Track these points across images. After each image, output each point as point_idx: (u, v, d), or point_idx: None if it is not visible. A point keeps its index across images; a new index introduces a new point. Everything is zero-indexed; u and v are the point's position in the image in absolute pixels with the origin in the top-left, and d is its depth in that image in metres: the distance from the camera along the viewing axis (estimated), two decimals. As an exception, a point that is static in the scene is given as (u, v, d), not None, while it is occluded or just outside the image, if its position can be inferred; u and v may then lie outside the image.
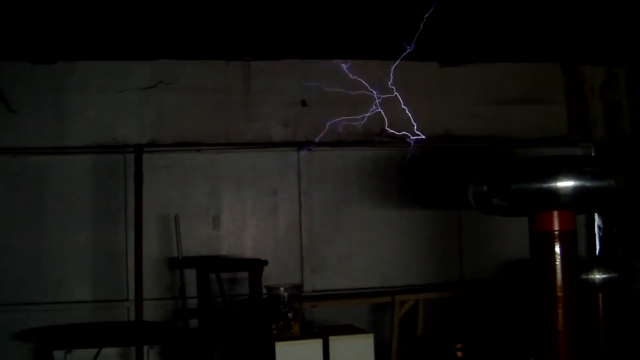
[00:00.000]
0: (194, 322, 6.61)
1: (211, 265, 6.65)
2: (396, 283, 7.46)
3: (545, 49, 7.23)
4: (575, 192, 4.50)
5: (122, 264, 6.98)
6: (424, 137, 7.07)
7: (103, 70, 7.00)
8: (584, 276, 5.99)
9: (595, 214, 7.63)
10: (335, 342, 5.77)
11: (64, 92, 6.97)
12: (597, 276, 6.08)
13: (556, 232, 4.63)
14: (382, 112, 7.39)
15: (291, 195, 7.41)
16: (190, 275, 6.68)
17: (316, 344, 5.73)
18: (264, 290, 6.12)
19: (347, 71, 7.38)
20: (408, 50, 6.00)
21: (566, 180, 4.49)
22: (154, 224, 7.02)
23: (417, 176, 7.66)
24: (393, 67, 7.41)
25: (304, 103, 7.37)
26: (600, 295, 6.27)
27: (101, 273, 7.00)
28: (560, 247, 4.62)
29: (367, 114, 7.26)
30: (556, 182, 4.50)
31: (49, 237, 6.96)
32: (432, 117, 7.49)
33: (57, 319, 6.72)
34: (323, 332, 5.89)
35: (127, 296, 6.92)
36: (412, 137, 7.22)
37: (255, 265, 6.42)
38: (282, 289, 5.88)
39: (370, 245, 7.53)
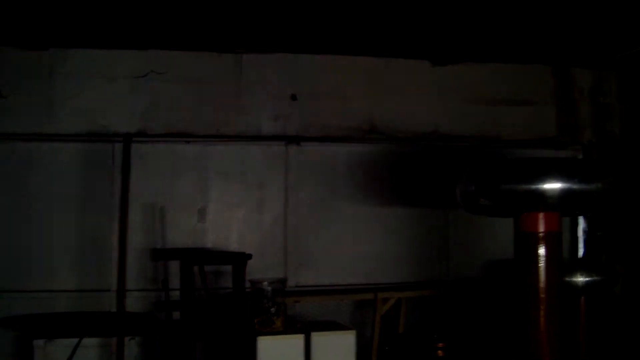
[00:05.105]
0: (176, 315, 6.58)
1: (195, 257, 6.62)
2: (380, 280, 7.45)
3: (536, 51, 7.24)
4: (562, 194, 4.52)
5: (107, 254, 6.93)
6: (412, 134, 7.10)
7: (94, 58, 6.96)
8: (567, 278, 5.99)
9: (580, 217, 7.65)
10: (317, 338, 5.79)
11: (54, 79, 6.93)
12: (580, 279, 6.09)
13: (541, 234, 4.65)
14: (372, 108, 7.43)
15: (278, 189, 7.39)
16: (174, 267, 6.66)
17: (298, 340, 5.74)
18: (248, 284, 6.11)
19: (338, 66, 7.41)
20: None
21: (553, 183, 4.51)
22: (140, 214, 6.98)
23: (404, 174, 7.65)
24: (384, 64, 7.47)
25: (294, 97, 7.35)
26: (582, 298, 6.28)
27: (85, 262, 6.95)
28: (545, 248, 4.63)
29: (356, 110, 7.31)
30: (544, 184, 4.52)
31: (34, 225, 6.90)
32: (421, 115, 7.51)
33: (40, 308, 6.66)
34: (305, 327, 5.90)
35: (110, 286, 6.86)
36: (401, 134, 7.26)
37: (240, 259, 6.40)
38: (265, 283, 5.89)
39: (355, 242, 7.51)
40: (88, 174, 7.04)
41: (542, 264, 4.63)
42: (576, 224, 7.78)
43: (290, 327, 5.92)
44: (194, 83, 7.17)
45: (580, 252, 7.68)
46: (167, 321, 6.65)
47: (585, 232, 7.69)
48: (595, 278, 6.12)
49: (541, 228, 4.66)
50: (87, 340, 6.15)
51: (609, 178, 4.66)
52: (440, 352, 6.57)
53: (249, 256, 6.44)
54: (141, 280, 6.97)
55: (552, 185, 4.52)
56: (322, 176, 7.48)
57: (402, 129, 7.52)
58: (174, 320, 6.60)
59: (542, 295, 4.61)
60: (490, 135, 7.71)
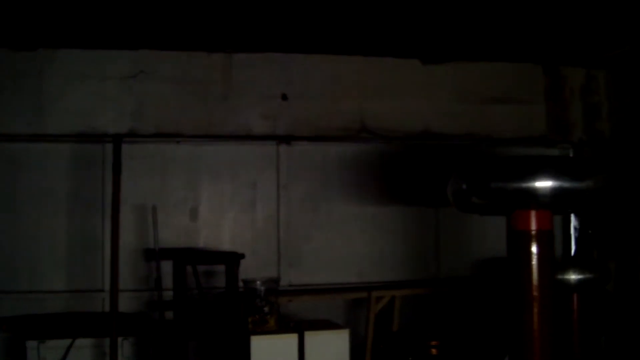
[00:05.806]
0: (169, 314, 6.58)
1: (188, 257, 6.62)
2: (373, 279, 7.47)
3: (526, 49, 7.26)
4: (554, 192, 4.51)
5: (98, 254, 6.94)
6: (403, 133, 7.08)
7: (84, 58, 6.93)
8: (559, 276, 6.01)
9: (572, 215, 7.67)
10: (311, 337, 5.78)
11: (43, 80, 6.89)
12: (573, 277, 6.11)
13: (533, 232, 4.64)
14: (363, 108, 7.43)
15: (270, 188, 7.40)
16: (167, 266, 6.65)
17: (292, 339, 5.74)
18: (241, 284, 6.11)
19: (328, 66, 7.40)
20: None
21: (545, 181, 4.50)
22: (131, 214, 6.98)
23: (396, 173, 7.67)
24: (374, 63, 7.46)
25: (284, 97, 7.34)
26: (575, 295, 6.30)
27: (77, 263, 6.96)
28: (537, 246, 4.62)
29: (347, 109, 7.30)
30: (535, 182, 4.51)
31: (24, 226, 6.90)
32: (412, 114, 7.51)
33: (32, 308, 6.67)
34: (299, 326, 5.89)
35: (102, 287, 6.87)
36: (391, 133, 7.25)
37: (232, 259, 6.40)
38: (258, 282, 5.87)
39: (347, 241, 7.53)
40: (78, 174, 7.04)
41: (534, 262, 4.62)
42: (568, 222, 7.81)
43: (284, 326, 5.91)
44: (183, 83, 7.15)
45: (572, 250, 7.71)
46: (160, 321, 6.64)
47: (576, 230, 7.72)
48: (587, 276, 6.14)
49: (533, 226, 4.65)
50: (80, 341, 6.16)
51: (600, 176, 4.66)
52: (434, 351, 6.58)
53: (242, 256, 6.45)
54: (134, 280, 6.98)
55: (544, 184, 4.50)
56: (313, 175, 7.51)
57: (392, 128, 7.52)
58: (167, 320, 6.59)
59: (535, 293, 4.60)
60: (481, 134, 7.72)
